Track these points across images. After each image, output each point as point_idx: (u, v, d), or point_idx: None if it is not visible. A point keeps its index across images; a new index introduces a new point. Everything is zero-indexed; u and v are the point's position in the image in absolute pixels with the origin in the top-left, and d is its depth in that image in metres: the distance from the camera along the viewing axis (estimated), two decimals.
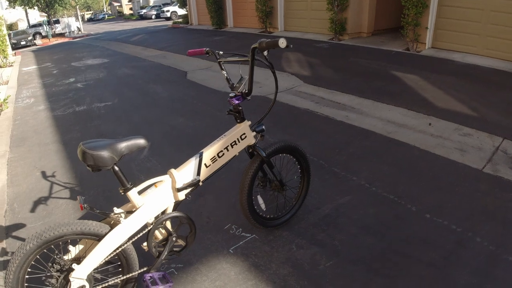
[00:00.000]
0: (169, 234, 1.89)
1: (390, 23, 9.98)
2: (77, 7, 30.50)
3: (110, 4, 54.52)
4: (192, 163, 1.90)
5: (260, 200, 2.40)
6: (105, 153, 1.58)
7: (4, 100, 5.46)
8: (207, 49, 2.17)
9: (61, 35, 24.27)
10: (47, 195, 3.11)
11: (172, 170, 1.87)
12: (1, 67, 10.31)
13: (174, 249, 1.94)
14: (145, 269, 1.85)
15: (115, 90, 6.45)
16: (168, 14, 28.72)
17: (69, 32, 24.82)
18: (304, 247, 2.26)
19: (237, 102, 1.96)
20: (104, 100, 5.85)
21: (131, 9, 48.81)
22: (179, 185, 1.84)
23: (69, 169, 3.51)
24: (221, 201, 2.83)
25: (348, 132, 3.94)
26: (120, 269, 1.84)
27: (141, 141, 1.71)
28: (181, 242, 1.95)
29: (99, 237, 1.67)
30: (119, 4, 52.99)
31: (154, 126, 4.55)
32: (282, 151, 2.25)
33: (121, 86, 6.75)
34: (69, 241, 1.70)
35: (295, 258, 2.18)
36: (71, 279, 1.62)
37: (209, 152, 1.93)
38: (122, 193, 1.73)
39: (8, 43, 11.72)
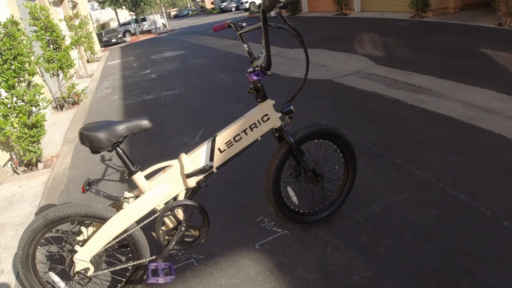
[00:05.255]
0: (179, 223, 1.74)
1: None
2: (162, 4, 32.78)
3: (193, 0, 57.68)
4: (204, 147, 1.70)
5: (291, 192, 2.10)
6: (101, 135, 1.52)
7: (82, 91, 6.01)
8: (229, 21, 1.93)
9: (148, 31, 26.37)
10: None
11: (182, 155, 1.70)
12: (89, 62, 11.57)
13: (186, 239, 1.80)
14: (154, 257, 1.75)
15: (184, 79, 6.65)
16: (247, 5, 29.09)
17: (155, 28, 26.80)
18: (341, 250, 1.91)
19: (256, 78, 1.69)
20: (172, 88, 6.06)
21: (212, 3, 50.85)
22: (187, 170, 1.67)
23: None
24: (260, 191, 2.58)
25: (420, 118, 3.34)
26: (130, 255, 1.77)
27: (144, 122, 1.60)
28: (193, 233, 1.80)
29: (104, 220, 1.63)
30: None
31: (212, 112, 4.51)
32: (317, 136, 1.91)
33: (190, 75, 6.94)
34: (76, 222, 1.69)
35: (327, 262, 1.85)
36: (74, 260, 1.60)
37: (223, 136, 1.71)
38: (127, 177, 1.65)
39: (95, 40, 13.06)
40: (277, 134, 1.84)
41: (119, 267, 1.75)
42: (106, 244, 1.63)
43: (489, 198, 2.09)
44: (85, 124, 1.61)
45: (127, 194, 1.70)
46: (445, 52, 5.30)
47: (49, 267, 2.05)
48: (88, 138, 1.51)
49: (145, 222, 1.69)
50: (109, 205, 1.71)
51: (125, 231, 1.64)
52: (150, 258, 1.75)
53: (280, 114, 1.79)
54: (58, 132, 4.73)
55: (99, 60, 12.10)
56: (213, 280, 1.88)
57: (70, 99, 5.81)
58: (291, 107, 1.80)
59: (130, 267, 1.79)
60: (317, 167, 2.04)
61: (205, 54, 9.06)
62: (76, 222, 1.69)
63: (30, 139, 3.49)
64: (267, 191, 1.89)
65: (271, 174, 1.85)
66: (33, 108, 3.61)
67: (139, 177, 1.65)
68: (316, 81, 5.02)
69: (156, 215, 1.70)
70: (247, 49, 1.82)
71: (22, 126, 3.44)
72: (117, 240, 1.65)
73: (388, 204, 2.20)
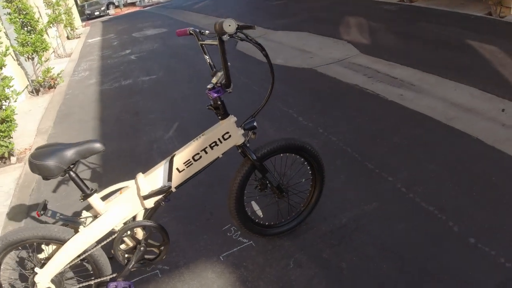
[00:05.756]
0: (138, 242, 1.72)
1: None
2: None
3: None
4: (161, 167, 1.64)
5: (255, 206, 2.07)
6: (50, 163, 1.46)
7: (58, 75, 5.79)
8: (191, 29, 1.81)
9: (133, 4, 25.27)
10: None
11: (139, 175, 1.64)
12: (69, 39, 11.10)
13: (147, 256, 1.78)
14: (115, 275, 1.73)
15: (163, 62, 6.44)
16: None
17: (140, 1, 25.74)
18: (303, 265, 1.91)
19: (215, 95, 1.61)
20: (150, 73, 5.87)
21: None
22: (144, 192, 1.62)
23: None
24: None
25: (398, 116, 3.30)
26: (92, 273, 1.75)
27: (96, 146, 1.55)
28: (154, 250, 1.77)
29: (62, 242, 1.61)
30: None
31: (189, 102, 4.39)
32: (282, 151, 1.86)
33: (170, 57, 6.72)
34: (35, 244, 1.66)
35: (288, 277, 1.85)
36: (35, 280, 1.58)
37: (181, 156, 1.64)
38: (82, 200, 1.60)
39: (75, 16, 12.48)
40: (239, 151, 1.77)
41: (81, 285, 1.73)
42: (66, 265, 1.62)
43: (458, 212, 2.09)
44: (35, 149, 1.53)
45: (84, 214, 1.66)
46: (431, 42, 5.20)
47: None
48: (37, 167, 1.45)
49: (104, 242, 1.66)
50: (67, 225, 1.67)
51: (84, 252, 1.62)
52: (111, 276, 1.74)
53: (242, 131, 1.72)
54: (33, 120, 4.57)
55: (79, 37, 11.63)
56: None
57: (45, 83, 5.59)
58: (255, 123, 1.73)
59: (92, 284, 1.77)
60: (283, 179, 2.00)
61: None
62: (35, 244, 1.66)
63: (1, 133, 3.37)
64: (230, 207, 1.86)
65: (233, 191, 1.81)
66: (4, 102, 3.47)
67: (94, 200, 1.60)
68: (299, 69, 4.91)
69: (113, 236, 1.66)
70: (208, 61, 1.72)
71: None
72: (76, 260, 1.63)
73: (355, 215, 2.19)
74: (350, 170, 2.63)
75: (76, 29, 12.03)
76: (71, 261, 1.63)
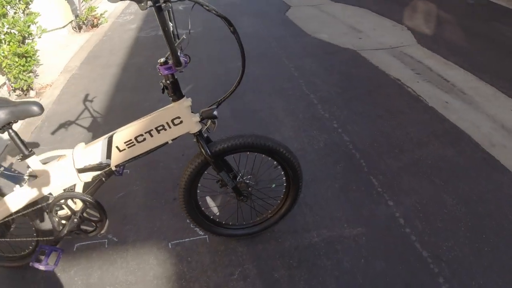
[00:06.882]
0: (73, 213, 1.60)
1: None
2: None
3: None
4: (99, 143, 1.45)
5: (210, 202, 1.84)
6: None
7: (101, 15, 5.76)
8: None
9: None
10: (74, 119, 3.16)
11: (78, 146, 1.48)
12: None
13: (85, 227, 1.67)
14: (51, 238, 1.67)
15: (206, 18, 6.13)
16: None
17: None
18: (249, 279, 1.68)
19: (166, 72, 1.34)
20: (189, 27, 5.63)
21: None
22: (79, 165, 1.46)
23: (107, 98, 3.49)
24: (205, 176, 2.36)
25: (432, 127, 2.80)
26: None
27: (33, 109, 1.40)
28: (91, 223, 1.66)
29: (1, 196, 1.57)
30: None
31: (213, 65, 4.12)
32: (246, 150, 1.57)
33: (214, 15, 6.38)
34: None
35: None
36: None
37: (122, 134, 1.43)
38: (20, 161, 1.49)
39: None
40: (194, 140, 1.52)
41: (21, 239, 1.71)
42: (4, 219, 1.58)
43: (457, 270, 1.70)
44: None
45: (29, 172, 1.57)
46: (503, 47, 4.35)
47: None
48: None
49: (40, 206, 1.58)
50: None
51: (17, 211, 1.57)
52: (49, 238, 1.68)
53: (198, 118, 1.45)
54: (64, 57, 4.62)
55: None
56: (112, 269, 1.78)
57: (88, 21, 5.62)
58: (215, 112, 1.45)
59: (33, 243, 1.77)
60: (250, 180, 1.74)
61: None
62: None
63: (21, 67, 3.42)
64: (179, 197, 1.65)
65: (182, 182, 1.59)
66: (28, 39, 3.50)
67: (32, 161, 1.49)
68: (341, 49, 4.39)
69: (48, 202, 1.57)
70: (171, 29, 1.44)
71: (13, 54, 3.35)
72: (11, 217, 1.59)
73: (331, 236, 1.89)
74: (348, 180, 2.28)
75: None
76: (6, 217, 1.58)
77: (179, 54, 1.36)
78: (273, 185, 1.84)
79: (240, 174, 1.70)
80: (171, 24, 1.44)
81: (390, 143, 2.63)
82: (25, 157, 1.49)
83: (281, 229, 1.92)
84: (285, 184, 1.77)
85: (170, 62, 1.33)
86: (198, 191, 1.69)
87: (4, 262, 1.83)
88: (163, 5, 1.17)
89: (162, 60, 1.35)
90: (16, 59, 3.38)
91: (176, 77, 1.39)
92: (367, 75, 3.73)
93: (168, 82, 1.36)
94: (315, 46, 4.55)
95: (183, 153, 2.54)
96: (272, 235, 1.89)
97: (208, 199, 2.12)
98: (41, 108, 1.41)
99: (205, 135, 1.54)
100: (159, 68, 1.34)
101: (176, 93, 1.39)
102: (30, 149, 1.49)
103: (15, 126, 1.45)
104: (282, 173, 1.73)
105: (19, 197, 1.53)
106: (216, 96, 1.58)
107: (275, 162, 1.67)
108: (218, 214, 2.03)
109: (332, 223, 1.96)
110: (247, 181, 1.71)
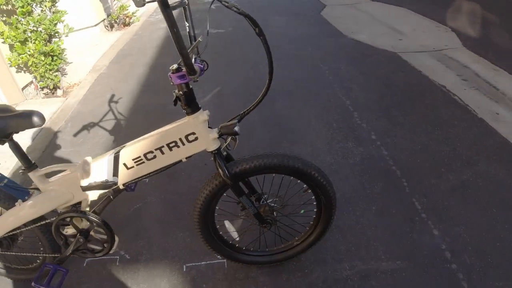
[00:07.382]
0: (79, 232, 1.47)
1: None
2: None
3: None
4: (106, 158, 1.30)
5: (230, 227, 1.65)
6: None
7: (133, 14, 5.74)
8: None
9: None
10: (97, 121, 3.08)
11: (85, 161, 1.33)
12: None
13: (93, 247, 1.54)
14: (57, 255, 1.56)
15: (237, 18, 5.98)
16: None
17: None
18: None
19: (179, 81, 1.15)
20: (220, 26, 5.49)
21: None
22: (84, 183, 1.31)
23: (132, 100, 3.40)
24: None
25: (483, 141, 2.48)
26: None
27: (33, 120, 1.27)
28: (99, 243, 1.52)
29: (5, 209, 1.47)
30: None
31: (244, 68, 3.94)
32: (272, 171, 1.36)
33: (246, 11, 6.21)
34: None
35: None
36: None
37: (130, 150, 1.27)
38: (22, 174, 1.38)
39: None
40: (212, 158, 1.33)
41: (26, 254, 1.62)
42: (4, 234, 1.49)
43: None
44: None
45: (34, 185, 1.45)
46: None
47: None
48: None
49: (43, 222, 1.47)
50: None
51: (20, 227, 1.47)
52: (55, 255, 1.57)
53: (216, 135, 1.26)
54: (95, 56, 4.62)
55: None
56: None
57: (119, 20, 5.62)
58: (236, 128, 1.25)
59: (40, 257, 1.68)
60: (275, 202, 1.53)
61: None
62: None
63: (47, 66, 3.40)
64: (193, 220, 1.47)
65: (198, 204, 1.41)
66: (55, 37, 3.47)
67: (34, 176, 1.37)
68: (380, 51, 4.07)
69: (52, 218, 1.45)
70: (188, 29, 1.26)
71: (39, 53, 3.33)
72: (14, 232, 1.50)
73: (366, 269, 1.65)
74: (387, 202, 2.02)
75: None
76: (9, 232, 1.49)
77: (193, 60, 1.17)
78: (302, 211, 1.62)
79: (265, 196, 1.50)
80: (187, 24, 1.26)
81: (436, 160, 2.33)
82: (27, 170, 1.37)
83: (308, 258, 1.70)
84: (315, 210, 1.54)
85: (184, 69, 1.14)
86: (216, 214, 1.50)
87: (11, 274, 1.75)
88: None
89: (175, 66, 1.16)
90: (42, 58, 3.36)
91: (191, 86, 1.19)
92: (408, 80, 3.40)
93: (181, 92, 1.17)
94: (352, 47, 4.26)
95: (206, 162, 2.37)
96: (298, 265, 1.68)
97: (227, 222, 1.93)
98: (42, 119, 1.27)
99: (224, 153, 1.34)
100: (170, 76, 1.16)
101: (190, 105, 1.20)
102: (33, 162, 1.37)
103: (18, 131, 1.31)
104: (313, 197, 1.50)
105: (21, 212, 1.42)
106: (244, 103, 1.38)
107: (305, 185, 1.45)
108: (238, 238, 1.83)
109: (367, 254, 1.72)
110: (272, 204, 1.50)
